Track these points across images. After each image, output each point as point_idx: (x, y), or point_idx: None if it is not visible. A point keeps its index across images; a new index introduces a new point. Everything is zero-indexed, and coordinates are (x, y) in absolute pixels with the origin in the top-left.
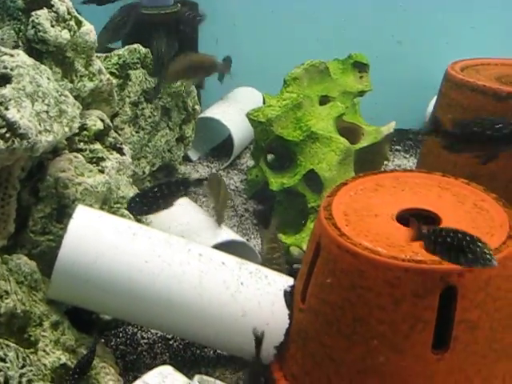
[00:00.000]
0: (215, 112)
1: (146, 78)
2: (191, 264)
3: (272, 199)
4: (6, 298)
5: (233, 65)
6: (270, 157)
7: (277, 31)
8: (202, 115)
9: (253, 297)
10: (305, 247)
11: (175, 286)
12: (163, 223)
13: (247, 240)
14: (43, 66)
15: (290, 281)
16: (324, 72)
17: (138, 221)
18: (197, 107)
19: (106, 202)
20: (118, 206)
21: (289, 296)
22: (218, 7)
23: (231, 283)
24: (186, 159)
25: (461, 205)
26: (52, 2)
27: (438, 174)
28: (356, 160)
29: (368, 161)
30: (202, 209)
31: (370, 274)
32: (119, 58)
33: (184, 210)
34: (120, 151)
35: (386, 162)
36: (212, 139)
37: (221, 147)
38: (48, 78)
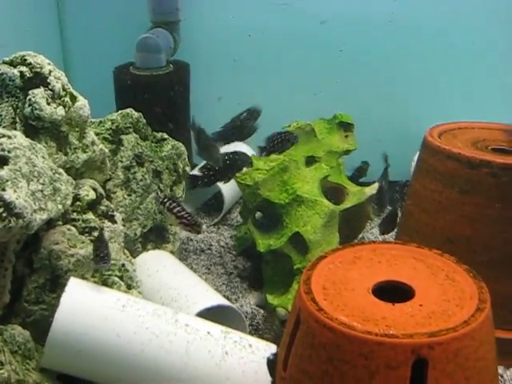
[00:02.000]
0: None
1: (137, 143)
2: (178, 334)
3: (261, 257)
4: (1, 369)
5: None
6: (258, 214)
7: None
8: (193, 172)
9: (237, 366)
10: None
11: (162, 355)
12: (153, 287)
13: (236, 298)
14: (39, 146)
15: (273, 348)
16: (310, 133)
17: (129, 287)
18: (187, 168)
19: (98, 270)
20: (110, 273)
21: (271, 364)
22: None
23: (216, 352)
24: None
25: (434, 276)
26: (48, 80)
27: (414, 245)
28: (340, 220)
29: (352, 220)
30: (190, 271)
31: (346, 348)
32: (112, 123)
33: (174, 273)
34: (112, 219)
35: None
36: (203, 195)
37: (212, 203)
38: (43, 157)
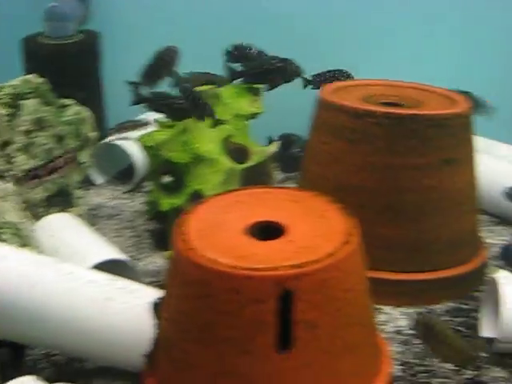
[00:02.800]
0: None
1: (39, 108)
2: (61, 282)
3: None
4: None
5: None
6: (168, 178)
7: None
8: (105, 140)
9: (120, 310)
10: None
11: (46, 302)
12: (54, 246)
13: (143, 258)
14: None
15: (159, 293)
16: (215, 97)
17: (26, 245)
18: (93, 134)
19: None
20: (1, 231)
21: (156, 307)
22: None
23: (99, 298)
24: (90, 183)
25: (307, 216)
26: None
27: (292, 188)
28: (245, 179)
29: (255, 179)
30: (93, 231)
31: (215, 284)
32: (13, 88)
33: (74, 233)
34: (2, 179)
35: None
36: (119, 162)
37: (128, 170)
38: None
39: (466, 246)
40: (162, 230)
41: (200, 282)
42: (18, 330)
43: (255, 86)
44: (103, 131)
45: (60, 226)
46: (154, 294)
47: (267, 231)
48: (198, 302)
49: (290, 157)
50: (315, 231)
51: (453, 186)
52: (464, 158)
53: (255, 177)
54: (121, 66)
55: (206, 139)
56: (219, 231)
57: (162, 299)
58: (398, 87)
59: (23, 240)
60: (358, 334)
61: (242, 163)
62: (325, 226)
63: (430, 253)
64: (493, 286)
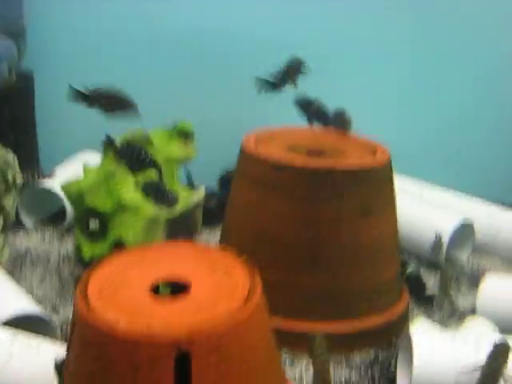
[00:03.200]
0: (48, 181)
1: None
2: None
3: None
4: None
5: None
6: (94, 224)
7: None
8: (38, 185)
9: (22, 368)
10: None
11: None
12: None
13: (65, 306)
14: None
15: (63, 351)
16: (145, 141)
17: None
18: (18, 178)
19: None
20: None
21: (59, 365)
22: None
23: (1, 355)
24: (20, 226)
25: (212, 272)
26: None
27: (200, 244)
28: (172, 225)
29: (183, 225)
30: (9, 281)
31: (110, 346)
32: None
33: None
34: None
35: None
36: (50, 205)
37: (59, 213)
38: None
39: (384, 294)
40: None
41: (97, 344)
42: None
43: (187, 129)
44: (36, 174)
45: None
46: (59, 350)
47: (171, 289)
48: (93, 363)
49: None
50: (218, 289)
51: (369, 237)
52: (381, 209)
53: (184, 224)
54: (55, 107)
55: (131, 186)
56: (121, 289)
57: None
58: (323, 135)
59: None
60: None
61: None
62: (228, 283)
63: (347, 303)
64: (408, 337)
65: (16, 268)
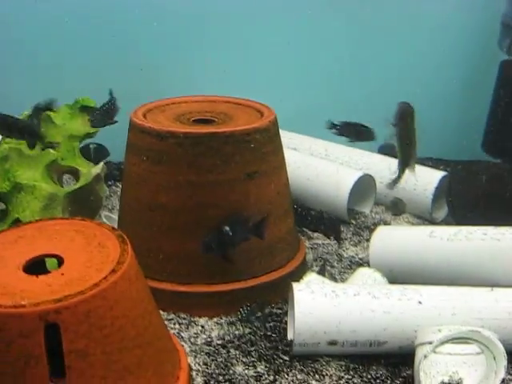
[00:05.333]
0: None
1: None
2: None
3: None
4: None
5: None
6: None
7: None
8: None
9: None
10: None
11: None
12: None
13: None
14: None
15: None
16: (47, 120)
17: None
18: None
19: None
20: None
21: None
22: None
23: None
24: None
25: (87, 246)
26: None
27: (78, 219)
28: (74, 201)
29: (85, 201)
30: None
31: None
32: None
33: None
34: None
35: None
36: None
37: None
38: None
39: (279, 252)
40: None
41: None
42: None
43: (89, 105)
44: None
45: None
46: None
47: (44, 265)
48: None
49: None
50: (90, 262)
51: (258, 198)
52: (269, 170)
53: (86, 199)
54: None
55: (28, 166)
56: None
57: None
58: (215, 102)
59: None
60: (139, 356)
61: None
62: (100, 255)
63: (242, 262)
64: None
65: None
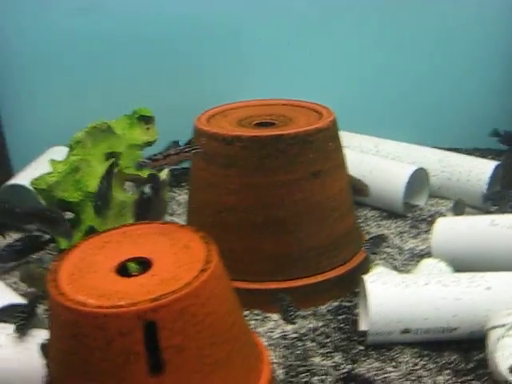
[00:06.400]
0: (20, 178)
1: None
2: None
3: None
4: None
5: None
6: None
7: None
8: (7, 183)
9: (12, 356)
10: None
11: None
12: None
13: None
14: None
15: (46, 334)
16: (107, 130)
17: None
18: None
19: None
20: None
21: (44, 348)
22: None
23: None
24: None
25: (172, 247)
26: None
27: (159, 222)
28: (140, 207)
29: (150, 206)
30: None
31: (83, 323)
32: None
33: None
34: None
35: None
36: (23, 203)
37: None
38: None
39: (344, 247)
40: None
41: (70, 323)
42: None
43: (146, 114)
44: (7, 172)
45: None
46: (42, 335)
47: (140, 267)
48: (71, 341)
49: None
50: (178, 262)
51: (323, 196)
52: (332, 168)
53: (150, 204)
54: (19, 106)
55: (97, 176)
56: (89, 273)
57: (48, 340)
58: (273, 106)
59: None
60: (228, 350)
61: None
62: (187, 256)
63: (309, 259)
64: (363, 284)
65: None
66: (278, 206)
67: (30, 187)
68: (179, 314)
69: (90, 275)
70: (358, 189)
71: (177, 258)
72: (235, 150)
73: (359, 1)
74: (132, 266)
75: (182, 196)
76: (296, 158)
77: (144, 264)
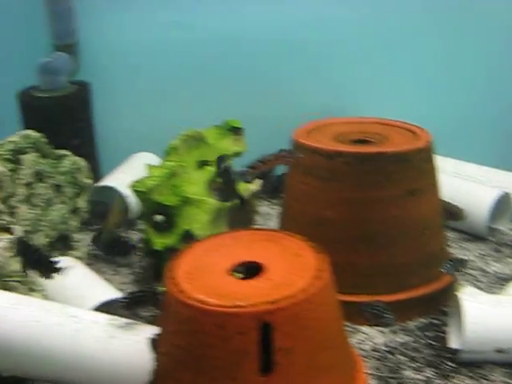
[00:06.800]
0: (110, 180)
1: (37, 161)
2: (66, 324)
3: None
4: None
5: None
6: (160, 217)
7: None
8: (97, 184)
9: (122, 347)
10: None
11: (55, 344)
12: (57, 289)
13: None
14: None
15: (155, 329)
16: (200, 139)
17: (31, 290)
18: (88, 181)
19: None
20: (8, 279)
21: (153, 342)
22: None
23: (102, 337)
24: (88, 226)
25: (283, 254)
26: None
27: (269, 229)
28: (231, 216)
29: (241, 215)
30: (91, 272)
31: (203, 321)
32: (12, 144)
33: (74, 275)
34: (9, 231)
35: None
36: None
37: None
38: None
39: (434, 265)
40: (155, 266)
41: (190, 320)
42: (28, 368)
43: (236, 125)
44: (97, 175)
45: None
46: (150, 330)
47: (249, 270)
48: (189, 337)
49: None
50: (290, 269)
51: (418, 213)
52: (427, 187)
53: (242, 213)
54: (109, 114)
55: (193, 182)
56: (205, 273)
57: (157, 335)
58: (365, 123)
59: (29, 285)
60: (332, 357)
61: (227, 201)
62: (299, 263)
63: (401, 275)
64: (457, 303)
65: (89, 262)
66: (375, 222)
67: (118, 189)
68: (293, 317)
69: (206, 275)
70: (452, 212)
71: (289, 265)
72: (337, 165)
73: (449, 15)
74: (237, 270)
75: (261, 207)
76: (395, 176)
77: (252, 269)
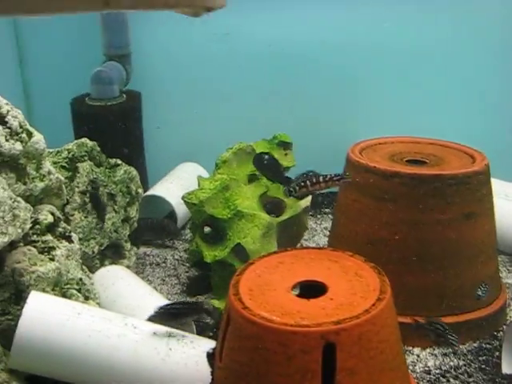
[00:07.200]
0: (158, 189)
1: (92, 169)
2: (127, 335)
3: (209, 266)
4: None
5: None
6: (207, 229)
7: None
8: (146, 193)
9: (180, 360)
10: None
11: (114, 354)
12: (110, 298)
13: None
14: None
15: (212, 343)
16: (251, 153)
17: (87, 298)
18: (140, 190)
19: (58, 285)
20: (68, 286)
21: (210, 357)
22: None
23: (161, 349)
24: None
25: (344, 274)
26: (6, 119)
27: (329, 249)
28: (281, 230)
29: (290, 230)
30: (143, 282)
31: (267, 338)
32: (68, 152)
33: (127, 285)
34: (68, 239)
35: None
36: (159, 213)
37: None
38: (3, 188)
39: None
40: (203, 277)
41: (254, 337)
42: (86, 377)
43: (286, 140)
44: (145, 185)
45: (113, 278)
46: (208, 344)
47: (310, 289)
48: (252, 353)
49: None
50: (352, 289)
51: (473, 237)
52: (483, 211)
53: (291, 228)
54: (158, 124)
55: (245, 196)
56: (267, 291)
57: (214, 349)
58: (420, 144)
59: (85, 294)
60: (392, 378)
61: (277, 216)
62: (360, 284)
63: (454, 298)
64: (510, 328)
65: (138, 271)
66: (430, 243)
67: (167, 198)
68: (357, 338)
69: (269, 293)
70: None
71: (351, 285)
72: (393, 185)
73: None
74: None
75: None
76: (452, 199)
77: (317, 288)
